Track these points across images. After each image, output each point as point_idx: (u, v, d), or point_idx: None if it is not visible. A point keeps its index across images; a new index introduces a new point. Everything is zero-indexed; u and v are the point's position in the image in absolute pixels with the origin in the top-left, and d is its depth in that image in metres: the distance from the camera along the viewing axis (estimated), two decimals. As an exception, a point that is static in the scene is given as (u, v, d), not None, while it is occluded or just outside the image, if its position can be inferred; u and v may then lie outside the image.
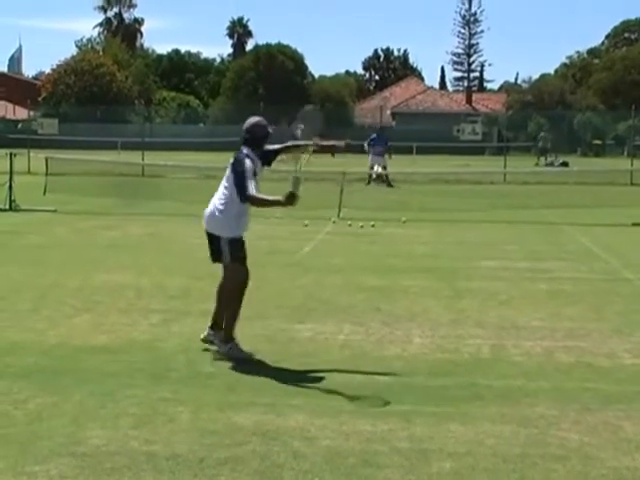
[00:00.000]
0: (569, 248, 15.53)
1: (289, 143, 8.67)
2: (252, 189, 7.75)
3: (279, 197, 7.81)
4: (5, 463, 5.34)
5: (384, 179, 31.78)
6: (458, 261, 13.79)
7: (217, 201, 8.01)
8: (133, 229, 17.58)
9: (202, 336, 8.19)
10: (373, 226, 18.20)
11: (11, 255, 14.00)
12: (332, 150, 9.11)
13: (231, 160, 8.00)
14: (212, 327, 8.20)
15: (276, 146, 8.35)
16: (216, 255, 8.12)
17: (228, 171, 7.99)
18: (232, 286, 8.15)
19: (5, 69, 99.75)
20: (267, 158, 8.23)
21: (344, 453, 5.59)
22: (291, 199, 7.77)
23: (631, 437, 5.94)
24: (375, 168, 32.02)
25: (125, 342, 8.34)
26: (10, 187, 20.88)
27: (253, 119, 8.19)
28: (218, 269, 12.56)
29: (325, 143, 8.59)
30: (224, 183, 8.04)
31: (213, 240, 8.07)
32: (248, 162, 7.85)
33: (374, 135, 33.62)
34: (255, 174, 7.86)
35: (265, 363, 7.68)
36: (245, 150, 7.98)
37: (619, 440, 5.89)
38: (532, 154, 54.44)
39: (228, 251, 8.01)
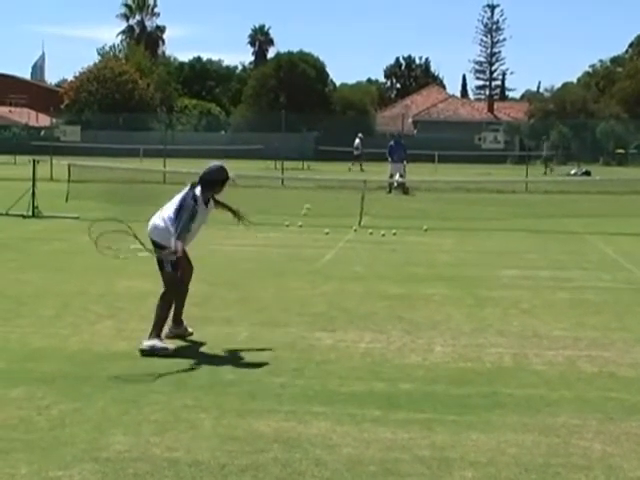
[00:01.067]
0: (591, 257, 15.46)
1: (233, 208, 9.16)
2: (177, 235, 8.20)
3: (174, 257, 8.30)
4: (29, 468, 5.37)
5: (406, 187, 31.76)
6: (480, 270, 13.76)
7: (165, 216, 8.41)
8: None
9: (165, 331, 8.55)
10: (394, 234, 18.18)
11: (34, 261, 14.07)
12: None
13: (184, 190, 8.46)
14: (174, 321, 8.74)
15: (224, 203, 8.96)
16: (159, 264, 8.52)
17: (177, 198, 8.43)
18: (169, 292, 8.54)
19: (28, 76, 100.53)
20: (214, 202, 8.76)
21: (365, 461, 5.59)
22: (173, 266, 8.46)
23: (654, 447, 5.91)
24: (396, 177, 32.03)
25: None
26: (33, 194, 21.00)
27: (216, 164, 8.63)
28: (239, 276, 12.63)
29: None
30: (170, 203, 8.49)
31: (157, 249, 8.41)
32: (192, 206, 8.29)
33: (392, 143, 33.58)
34: (192, 219, 8.29)
35: (286, 370, 7.69)
36: (197, 192, 8.41)
37: (642, 450, 5.85)
38: (539, 164, 53.91)
39: (170, 261, 8.39)
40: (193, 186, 8.45)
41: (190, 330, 8.86)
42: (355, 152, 51.53)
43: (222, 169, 8.54)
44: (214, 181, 8.47)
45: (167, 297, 8.49)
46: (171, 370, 7.63)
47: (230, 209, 9.12)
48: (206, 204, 8.49)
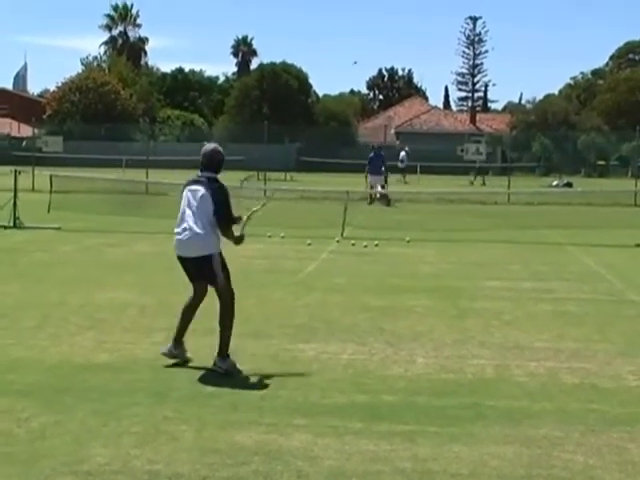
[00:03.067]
0: (573, 269, 15.51)
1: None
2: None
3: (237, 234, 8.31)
4: (7, 481, 5.33)
5: (387, 198, 31.82)
6: (462, 281, 13.78)
7: (197, 226, 8.06)
8: (137, 247, 17.60)
9: (163, 350, 8.28)
10: (377, 245, 18.19)
11: (15, 272, 13.99)
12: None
13: (201, 188, 8.12)
14: (176, 341, 8.32)
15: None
16: (210, 279, 8.21)
17: (206, 198, 8.07)
18: (231, 305, 8.23)
19: (10, 86, 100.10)
20: None
21: (347, 473, 5.57)
22: (240, 239, 8.44)
23: (636, 459, 5.91)
24: (378, 188, 32.11)
25: (128, 360, 8.33)
26: (14, 204, 20.89)
27: (211, 145, 8.50)
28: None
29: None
30: (196, 210, 8.10)
31: (203, 263, 8.11)
32: (225, 190, 8.16)
33: (371, 154, 33.64)
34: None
35: (268, 382, 7.67)
36: (218, 178, 8.26)
37: (624, 462, 5.86)
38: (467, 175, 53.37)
39: (220, 269, 8.14)
40: (207, 178, 8.17)
41: (188, 356, 8.37)
42: (400, 165, 51.40)
43: (220, 148, 8.48)
44: (222, 161, 8.38)
45: (229, 311, 8.19)
46: (152, 382, 7.60)
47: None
48: None
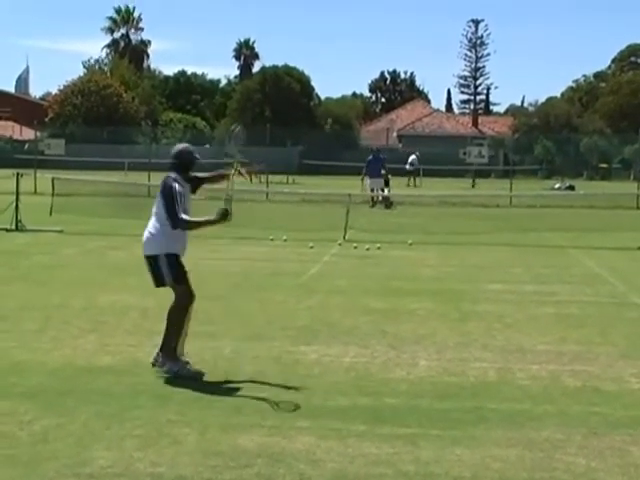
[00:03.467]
0: (575, 271, 15.51)
1: (214, 173, 8.73)
2: (182, 214, 7.92)
3: (211, 217, 8.02)
4: (10, 484, 5.33)
5: (389, 201, 31.83)
6: (464, 284, 13.78)
7: (151, 226, 8.13)
8: (139, 250, 17.56)
9: (151, 359, 8.16)
10: (379, 248, 18.20)
11: (17, 275, 14.00)
12: (252, 172, 9.09)
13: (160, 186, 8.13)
14: (162, 350, 8.16)
15: (203, 174, 8.52)
16: (158, 279, 8.22)
17: (158, 197, 8.10)
18: (178, 308, 8.16)
19: (12, 89, 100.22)
20: (193, 185, 8.36)
21: (350, 476, 5.57)
22: (224, 216, 7.95)
23: (638, 462, 5.91)
24: (377, 191, 32.14)
25: (130, 363, 8.33)
26: (16, 207, 20.91)
27: (180, 146, 8.37)
28: (224, 290, 12.60)
29: (245, 169, 8.53)
30: (154, 210, 8.15)
31: (152, 263, 8.16)
32: (177, 186, 7.98)
33: (370, 157, 33.61)
34: (184, 197, 8.01)
35: (270, 385, 7.67)
36: (173, 175, 8.11)
37: (626, 465, 5.86)
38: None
39: (168, 270, 8.09)
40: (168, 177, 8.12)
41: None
42: (408, 167, 51.39)
43: (190, 149, 8.30)
44: (187, 162, 8.17)
45: (174, 314, 8.15)
46: (154, 385, 7.60)
47: (216, 176, 8.67)
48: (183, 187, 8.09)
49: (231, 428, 6.46)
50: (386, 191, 32.72)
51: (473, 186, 50.16)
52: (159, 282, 8.23)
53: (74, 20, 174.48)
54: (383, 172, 33.17)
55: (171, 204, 7.92)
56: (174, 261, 8.13)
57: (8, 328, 9.83)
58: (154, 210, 8.15)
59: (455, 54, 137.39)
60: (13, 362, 8.32)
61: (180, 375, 7.84)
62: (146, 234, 8.19)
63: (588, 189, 44.60)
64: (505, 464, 5.83)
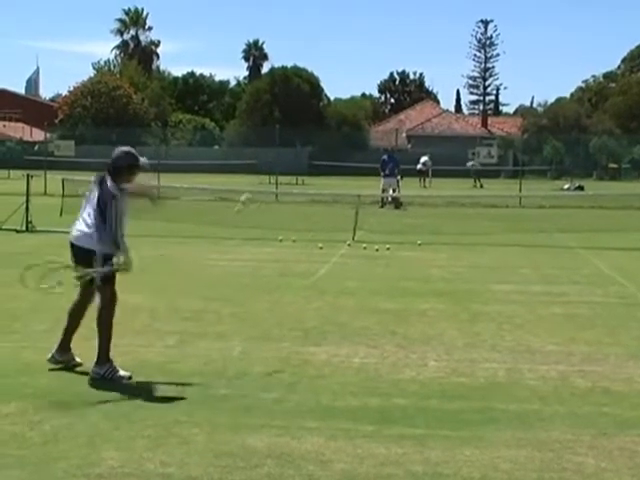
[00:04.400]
0: (584, 272, 15.48)
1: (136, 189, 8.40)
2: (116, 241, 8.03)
3: (121, 256, 8.15)
4: (20, 484, 5.35)
5: (399, 201, 31.82)
6: (473, 284, 13.77)
7: (88, 219, 8.02)
8: (147, 251, 17.61)
9: (48, 356, 8.16)
10: (388, 249, 18.19)
11: (27, 276, 14.00)
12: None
13: (94, 188, 8.03)
14: (62, 348, 8.21)
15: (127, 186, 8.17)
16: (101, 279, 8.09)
17: (95, 196, 7.96)
18: (110, 308, 8.16)
19: (23, 91, 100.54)
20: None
21: (359, 477, 5.58)
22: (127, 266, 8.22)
23: (648, 463, 5.90)
24: (390, 191, 32.12)
25: (140, 363, 8.34)
26: (27, 208, 20.98)
27: (120, 150, 8.21)
28: (233, 290, 12.62)
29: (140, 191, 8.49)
30: (89, 208, 8.03)
31: (83, 255, 8.10)
32: (110, 197, 7.86)
33: (384, 157, 33.61)
34: (117, 212, 7.92)
35: (280, 385, 7.67)
36: (109, 182, 7.94)
37: (636, 465, 5.85)
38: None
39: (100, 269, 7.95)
40: (102, 179, 7.99)
41: (78, 360, 8.24)
42: (421, 167, 51.44)
43: (129, 153, 8.12)
44: (122, 167, 7.98)
45: (108, 316, 8.14)
46: (163, 385, 7.61)
47: (141, 193, 8.57)
48: (120, 192, 7.95)
49: (240, 428, 6.47)
50: (396, 192, 32.70)
51: (475, 186, 50.31)
52: (101, 281, 8.19)
53: (84, 22, 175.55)
54: (396, 172, 33.07)
55: (107, 218, 7.92)
56: (108, 261, 8.08)
57: (18, 329, 9.87)
58: (91, 207, 8.06)
59: (464, 55, 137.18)
60: (23, 363, 8.35)
61: (108, 377, 7.76)
62: (82, 225, 8.17)
63: (597, 189, 44.53)
64: (514, 465, 5.83)
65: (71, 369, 8.14)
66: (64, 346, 8.23)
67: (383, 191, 32.16)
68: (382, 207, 31.36)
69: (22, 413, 6.76)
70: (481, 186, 50.52)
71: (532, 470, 5.74)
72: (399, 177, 33.73)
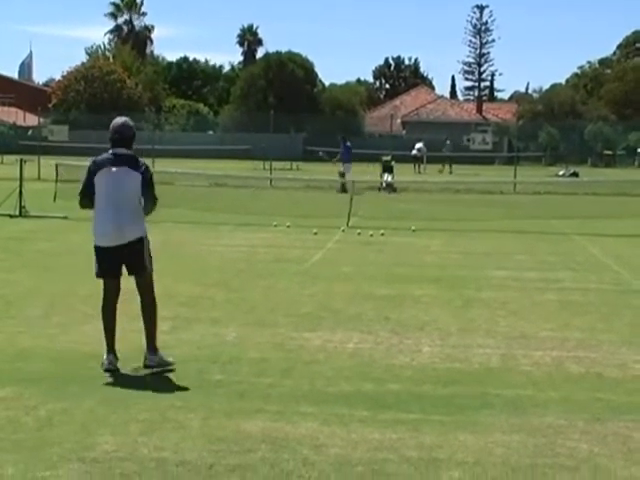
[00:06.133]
0: (579, 258, 15.50)
1: None
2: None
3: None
4: (15, 469, 5.36)
5: (393, 187, 31.88)
6: (468, 270, 13.79)
7: (126, 210, 7.68)
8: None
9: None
10: (382, 235, 18.20)
11: (21, 261, 14.03)
12: None
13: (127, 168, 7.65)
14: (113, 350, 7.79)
15: None
16: (140, 264, 7.87)
17: (134, 179, 7.65)
18: (153, 293, 8.07)
19: (16, 76, 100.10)
20: None
21: (353, 461, 5.60)
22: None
23: (641, 448, 5.93)
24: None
25: (135, 349, 8.33)
26: (20, 193, 20.94)
27: (121, 119, 7.98)
28: (227, 276, 12.62)
29: None
30: (124, 188, 7.66)
31: (134, 248, 7.77)
32: (146, 168, 7.78)
33: (348, 143, 33.33)
34: None
35: (274, 371, 7.69)
36: (130, 153, 7.75)
37: (629, 450, 5.88)
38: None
39: (148, 253, 7.89)
40: (125, 154, 7.70)
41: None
42: (416, 153, 51.48)
43: (129, 122, 7.94)
44: (133, 135, 7.87)
45: (153, 301, 8.09)
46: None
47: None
48: None
49: (235, 413, 6.49)
50: (390, 178, 32.69)
51: (450, 172, 50.54)
52: (138, 268, 7.92)
53: (77, 6, 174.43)
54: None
55: (152, 188, 7.77)
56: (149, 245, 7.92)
57: (13, 314, 9.86)
58: (125, 189, 7.65)
59: (459, 40, 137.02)
60: (18, 348, 8.35)
61: (160, 364, 7.64)
62: (123, 219, 7.66)
63: (592, 176, 44.53)
64: (508, 449, 5.86)
65: (69, 353, 8.13)
66: (113, 348, 7.79)
67: (343, 176, 31.39)
68: (379, 191, 31.47)
69: (17, 398, 6.77)
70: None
71: (526, 455, 5.77)
72: (393, 163, 33.75)
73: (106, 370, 7.51)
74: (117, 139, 7.81)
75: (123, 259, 7.85)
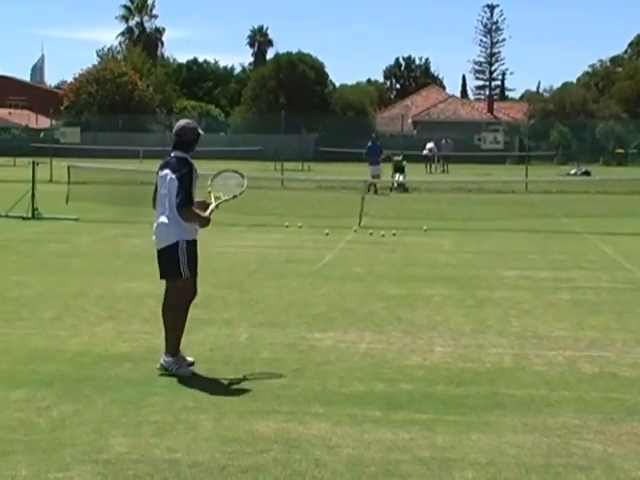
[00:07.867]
0: (591, 257, 15.45)
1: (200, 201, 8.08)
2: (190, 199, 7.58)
3: (205, 214, 7.79)
4: (29, 470, 5.37)
5: (405, 187, 31.85)
6: (480, 270, 13.75)
7: (163, 212, 7.70)
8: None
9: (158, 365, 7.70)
10: (394, 235, 18.18)
11: (34, 263, 14.06)
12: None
13: (168, 171, 7.66)
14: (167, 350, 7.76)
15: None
16: (174, 269, 7.70)
17: (168, 177, 7.62)
18: (180, 305, 7.79)
19: (28, 78, 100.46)
20: None
21: (366, 462, 5.58)
22: (207, 222, 7.81)
23: (655, 447, 5.90)
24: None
25: (147, 350, 8.36)
26: (33, 195, 20.99)
27: (182, 122, 7.97)
28: (239, 277, 12.63)
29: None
30: (163, 192, 7.68)
31: (168, 252, 7.70)
32: (194, 168, 7.68)
33: (369, 144, 33.41)
34: (192, 182, 7.66)
35: (286, 371, 7.68)
36: (181, 155, 7.73)
37: (643, 450, 5.85)
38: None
39: (185, 259, 7.66)
40: (175, 157, 7.72)
41: (190, 359, 7.84)
42: (427, 153, 51.58)
43: (194, 124, 7.95)
44: (194, 140, 7.83)
45: (180, 310, 7.78)
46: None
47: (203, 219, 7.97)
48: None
49: (247, 414, 6.48)
50: (401, 178, 32.65)
51: (443, 171, 50.82)
52: (174, 273, 7.71)
53: (89, 9, 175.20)
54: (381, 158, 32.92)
55: (186, 185, 7.56)
56: (192, 248, 7.77)
57: (26, 316, 9.88)
58: (163, 193, 7.69)
59: (470, 40, 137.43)
60: (31, 349, 8.37)
61: (177, 374, 7.53)
62: (159, 222, 7.71)
63: (604, 175, 44.38)
64: (521, 450, 5.83)
65: (81, 355, 8.15)
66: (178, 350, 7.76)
67: (372, 177, 31.44)
68: (391, 191, 31.43)
69: (30, 399, 6.78)
70: (442, 171, 50.70)
71: (539, 455, 5.75)
72: (404, 163, 33.71)
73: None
74: (176, 142, 7.86)
75: (159, 263, 7.87)
